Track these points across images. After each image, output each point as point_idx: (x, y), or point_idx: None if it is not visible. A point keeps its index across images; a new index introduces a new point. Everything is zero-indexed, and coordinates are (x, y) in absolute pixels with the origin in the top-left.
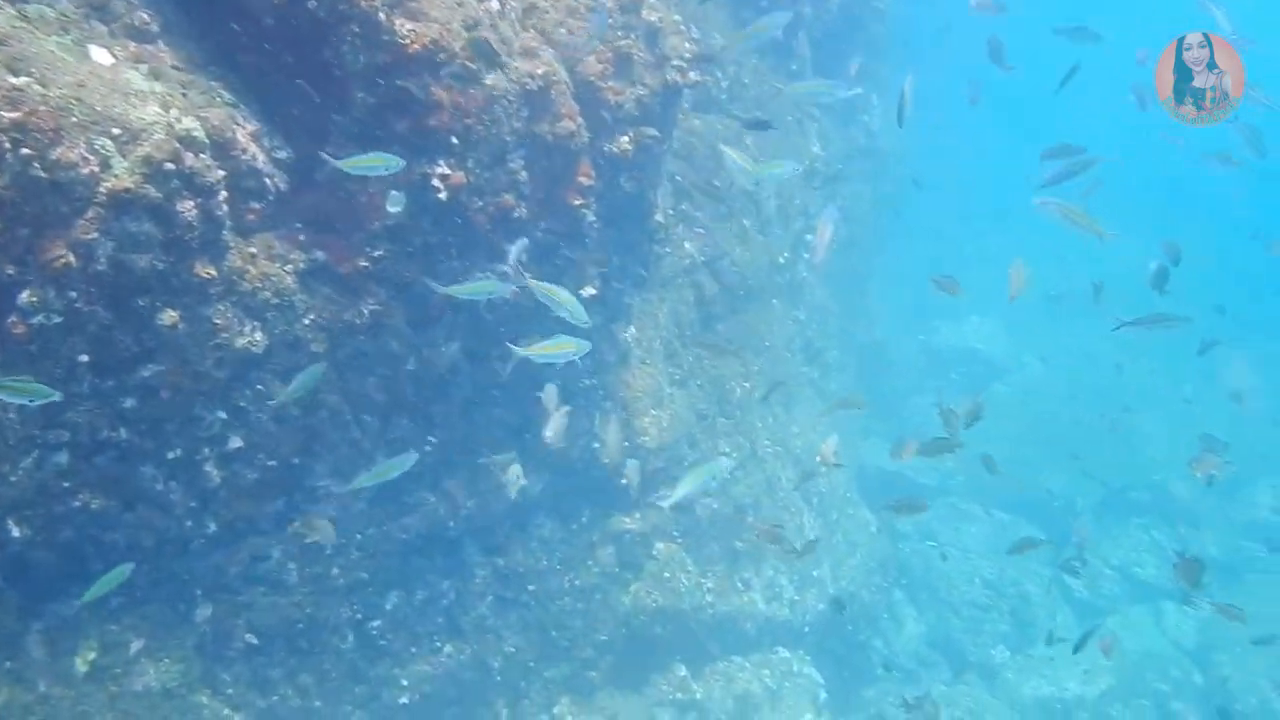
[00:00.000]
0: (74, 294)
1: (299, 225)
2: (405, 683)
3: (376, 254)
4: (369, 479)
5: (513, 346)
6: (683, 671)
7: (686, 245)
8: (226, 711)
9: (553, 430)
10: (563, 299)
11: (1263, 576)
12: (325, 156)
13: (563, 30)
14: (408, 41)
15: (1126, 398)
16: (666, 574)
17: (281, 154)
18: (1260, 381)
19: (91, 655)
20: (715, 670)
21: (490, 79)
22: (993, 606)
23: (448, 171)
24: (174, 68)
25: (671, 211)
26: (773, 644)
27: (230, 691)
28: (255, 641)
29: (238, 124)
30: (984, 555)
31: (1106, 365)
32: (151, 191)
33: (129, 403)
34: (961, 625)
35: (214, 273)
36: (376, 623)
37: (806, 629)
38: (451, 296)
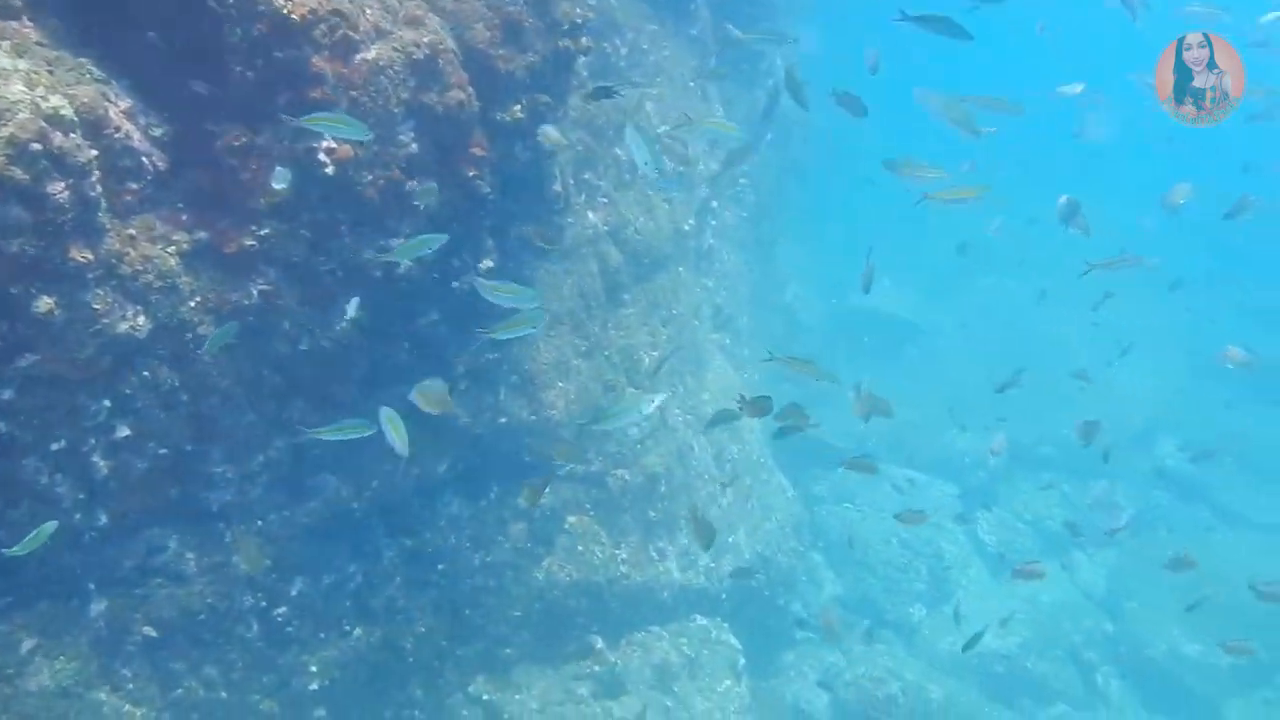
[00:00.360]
0: None
1: (180, 205)
2: (315, 669)
3: (263, 232)
4: (329, 432)
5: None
6: (600, 644)
7: (590, 215)
8: (128, 708)
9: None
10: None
11: (1170, 524)
12: (284, 118)
13: None
14: (286, 12)
15: (1037, 355)
16: (580, 547)
17: (158, 131)
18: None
19: None
20: (633, 641)
21: (374, 49)
22: (909, 566)
23: (334, 145)
24: (39, 44)
25: (573, 181)
26: (690, 612)
27: (131, 687)
28: (155, 635)
29: (110, 101)
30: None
31: (1018, 324)
32: (18, 174)
33: (7, 394)
34: (879, 585)
35: (91, 256)
36: (282, 609)
37: (723, 596)
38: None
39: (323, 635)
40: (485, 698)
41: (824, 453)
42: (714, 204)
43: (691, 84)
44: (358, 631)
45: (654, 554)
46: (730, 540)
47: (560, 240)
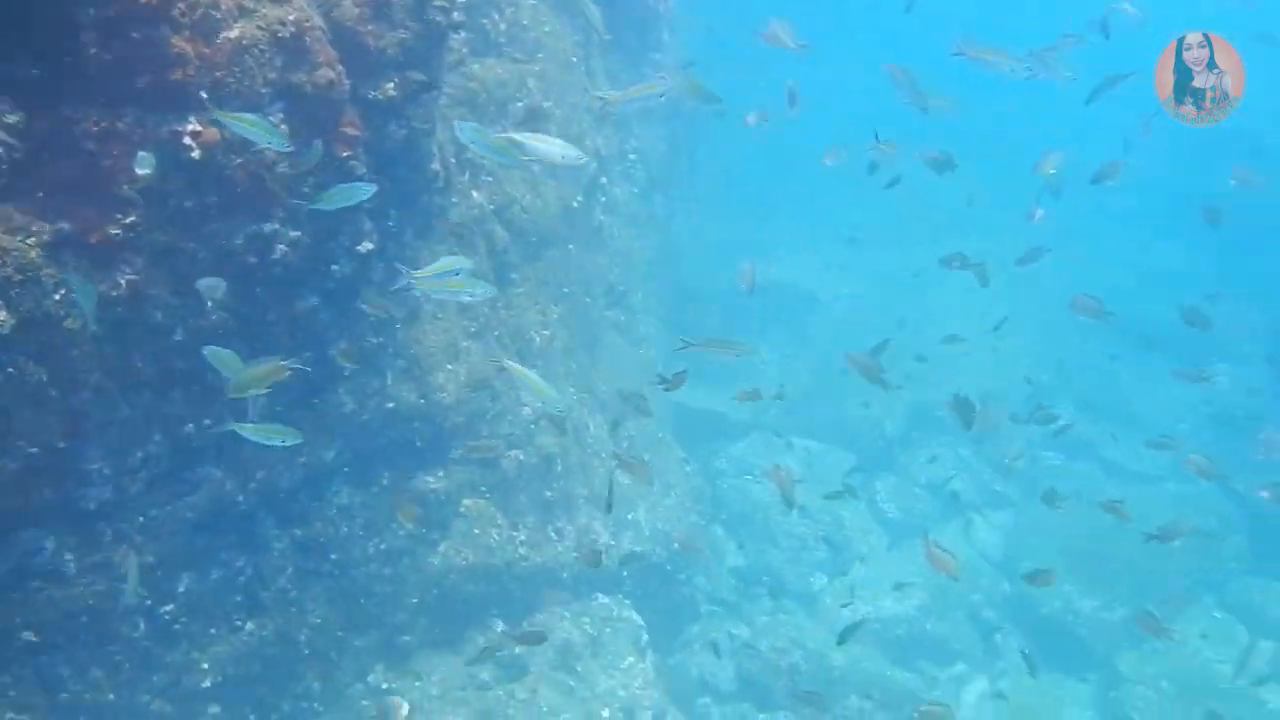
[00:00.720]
0: None
1: (41, 194)
2: (206, 665)
3: (129, 220)
4: (253, 433)
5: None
6: (500, 627)
7: (474, 194)
8: (10, 715)
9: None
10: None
11: (1062, 482)
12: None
13: None
14: None
15: (935, 321)
16: (476, 530)
17: (13, 119)
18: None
19: None
20: (534, 622)
21: (238, 28)
22: (809, 535)
23: (199, 128)
24: None
25: (455, 160)
26: (591, 591)
27: (13, 694)
28: (35, 639)
29: None
30: (798, 484)
31: (912, 292)
32: None
33: None
34: (781, 556)
35: None
36: (169, 607)
37: (625, 573)
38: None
39: (213, 631)
40: (385, 686)
41: (724, 426)
42: (603, 180)
43: (574, 59)
44: (250, 626)
45: (552, 534)
46: (630, 517)
47: (471, 235)
